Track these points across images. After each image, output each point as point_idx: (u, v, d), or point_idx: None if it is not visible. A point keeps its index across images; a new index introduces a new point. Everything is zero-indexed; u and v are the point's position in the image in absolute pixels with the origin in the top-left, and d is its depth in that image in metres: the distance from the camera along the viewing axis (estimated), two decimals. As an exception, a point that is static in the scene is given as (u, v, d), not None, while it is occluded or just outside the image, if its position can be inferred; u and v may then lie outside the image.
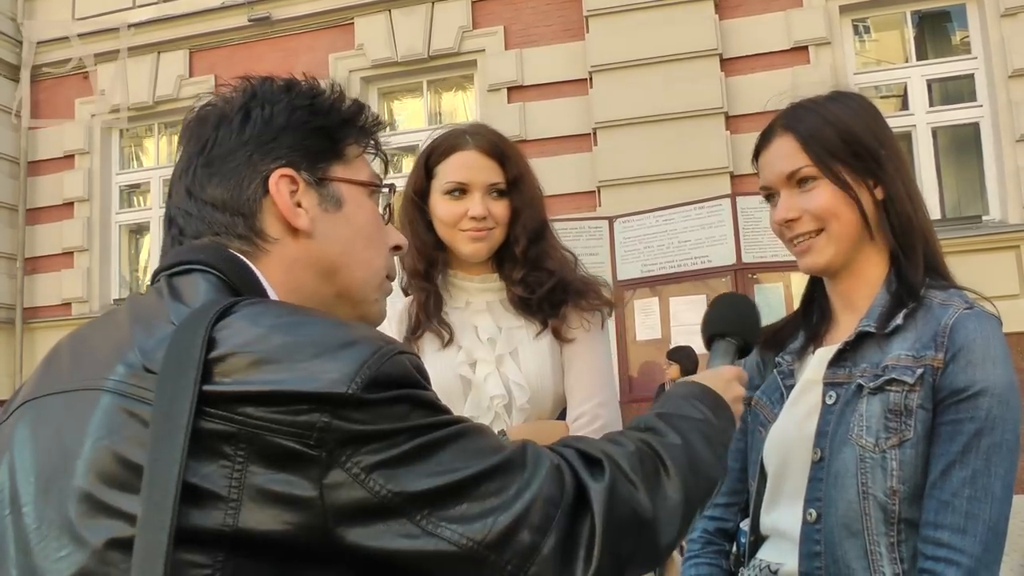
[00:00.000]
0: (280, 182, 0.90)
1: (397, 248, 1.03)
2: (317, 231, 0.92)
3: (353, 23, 8.24)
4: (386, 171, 1.04)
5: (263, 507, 0.72)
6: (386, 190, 1.01)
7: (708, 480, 0.95)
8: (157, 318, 0.82)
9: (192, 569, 0.71)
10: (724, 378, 1.14)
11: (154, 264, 0.95)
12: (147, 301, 0.87)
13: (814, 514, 1.28)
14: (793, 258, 1.39)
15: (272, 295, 0.89)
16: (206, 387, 0.73)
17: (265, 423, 0.72)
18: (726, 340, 1.27)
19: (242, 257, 0.90)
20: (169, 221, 0.95)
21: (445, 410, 0.82)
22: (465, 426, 0.81)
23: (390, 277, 1.02)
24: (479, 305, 1.71)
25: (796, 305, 1.49)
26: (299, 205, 0.92)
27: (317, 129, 0.94)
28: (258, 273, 0.89)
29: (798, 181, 1.33)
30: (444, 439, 0.78)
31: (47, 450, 0.80)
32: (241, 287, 0.86)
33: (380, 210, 1.01)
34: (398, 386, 0.78)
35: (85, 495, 0.75)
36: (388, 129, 1.06)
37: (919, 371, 1.23)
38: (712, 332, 1.29)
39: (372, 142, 1.00)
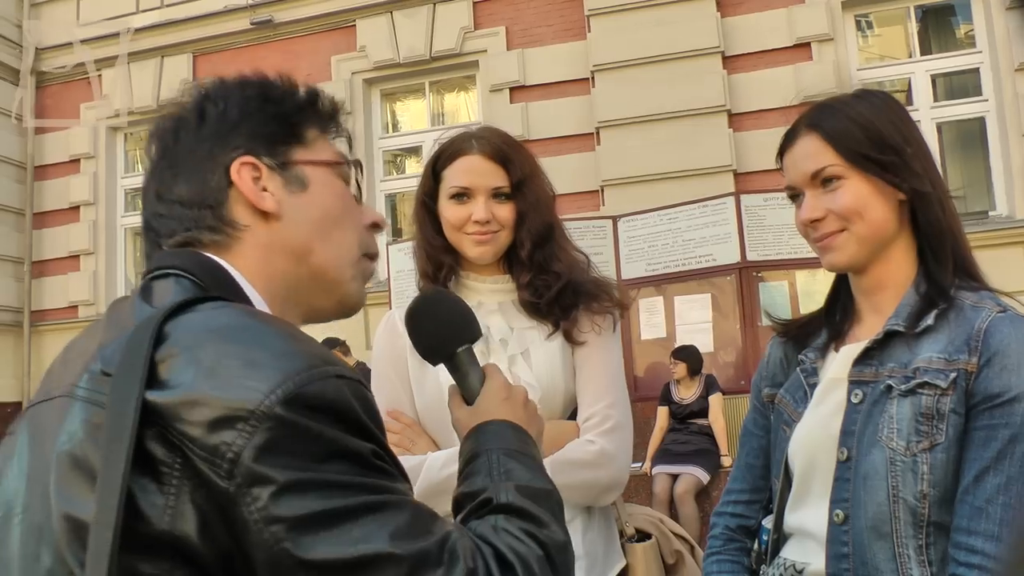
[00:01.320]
0: (242, 169, 0.92)
1: (375, 226, 1.02)
2: (285, 213, 0.93)
3: (355, 25, 8.24)
4: (351, 150, 1.03)
5: (195, 517, 0.71)
6: (353, 168, 1.01)
7: (572, 565, 0.92)
8: (125, 322, 0.83)
9: None
10: (504, 398, 1.05)
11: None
12: (123, 307, 0.88)
13: (841, 515, 1.27)
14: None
15: (248, 290, 0.90)
16: (148, 395, 0.73)
17: (188, 440, 0.72)
18: (464, 351, 1.10)
19: (215, 258, 0.90)
20: (146, 227, 0.96)
21: (375, 468, 0.76)
22: (388, 498, 0.75)
23: (370, 256, 1.01)
24: (491, 306, 1.72)
25: (801, 303, 1.49)
26: (265, 190, 0.92)
27: (273, 116, 0.95)
28: (233, 271, 0.90)
29: (823, 181, 1.32)
30: (359, 507, 0.73)
31: (37, 457, 0.81)
32: (214, 288, 0.86)
33: (352, 190, 1.01)
34: (324, 413, 0.73)
35: (51, 499, 0.76)
36: (343, 106, 1.06)
37: (952, 375, 1.22)
38: (448, 352, 1.10)
39: (332, 126, 1.01)
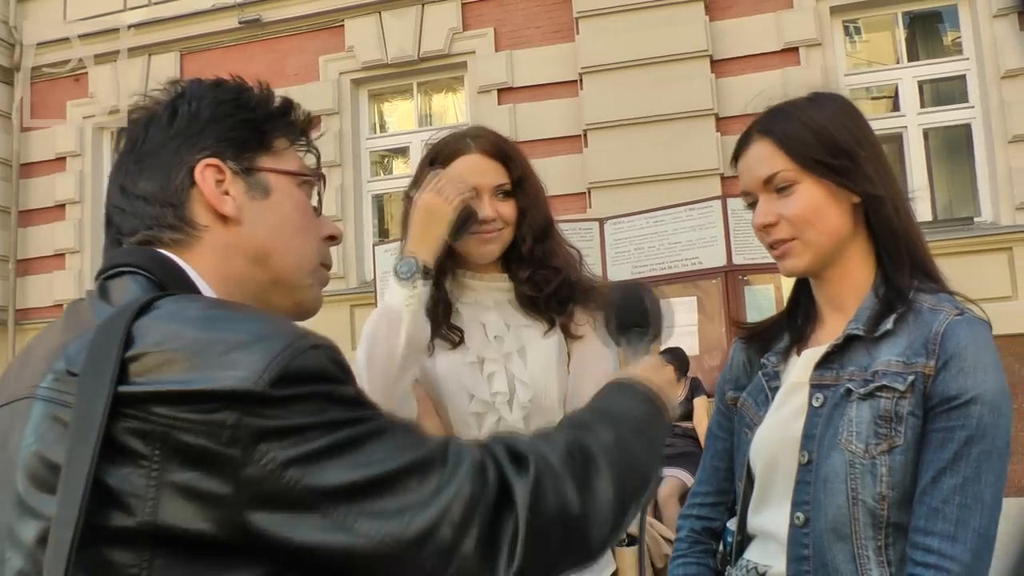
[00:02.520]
0: (206, 171, 0.93)
1: (332, 238, 1.05)
2: (245, 217, 0.94)
3: (343, 25, 8.21)
4: (318, 165, 1.05)
5: (182, 505, 0.73)
6: (316, 181, 1.03)
7: (643, 476, 0.95)
8: (84, 321, 0.84)
9: (119, 570, 0.72)
10: (653, 367, 1.14)
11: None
12: (81, 307, 0.89)
13: (802, 517, 1.28)
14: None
15: (205, 288, 0.91)
16: (121, 388, 0.74)
17: (178, 422, 0.73)
18: (639, 330, 1.27)
19: (171, 255, 0.91)
20: (107, 221, 0.97)
21: (366, 405, 0.81)
22: (384, 422, 0.80)
23: (326, 266, 1.04)
24: (487, 303, 1.72)
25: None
26: (226, 193, 0.94)
27: (243, 121, 0.96)
28: (187, 268, 0.91)
29: (776, 187, 1.32)
30: (362, 435, 0.77)
31: (0, 460, 0.82)
32: (171, 285, 0.87)
33: (313, 202, 1.02)
34: (311, 380, 0.77)
35: (20, 500, 0.77)
36: (315, 119, 1.08)
37: (910, 378, 1.22)
38: (627, 323, 1.29)
39: (302, 138, 1.02)
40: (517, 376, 1.66)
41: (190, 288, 0.89)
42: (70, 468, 0.72)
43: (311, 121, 1.04)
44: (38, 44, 8.98)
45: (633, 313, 1.29)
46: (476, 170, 1.67)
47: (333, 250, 1.07)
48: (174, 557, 0.73)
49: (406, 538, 0.75)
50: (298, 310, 1.01)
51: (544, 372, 1.67)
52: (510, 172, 1.69)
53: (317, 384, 0.77)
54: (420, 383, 1.67)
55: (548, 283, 1.68)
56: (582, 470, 0.86)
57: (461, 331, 1.70)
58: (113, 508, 0.72)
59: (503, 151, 1.70)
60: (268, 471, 0.73)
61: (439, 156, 1.71)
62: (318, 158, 1.05)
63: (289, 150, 1.00)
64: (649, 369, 1.14)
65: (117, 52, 8.59)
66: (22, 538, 0.76)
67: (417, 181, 1.72)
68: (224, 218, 0.93)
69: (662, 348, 6.28)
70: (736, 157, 1.40)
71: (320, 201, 1.05)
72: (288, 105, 1.01)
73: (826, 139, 1.30)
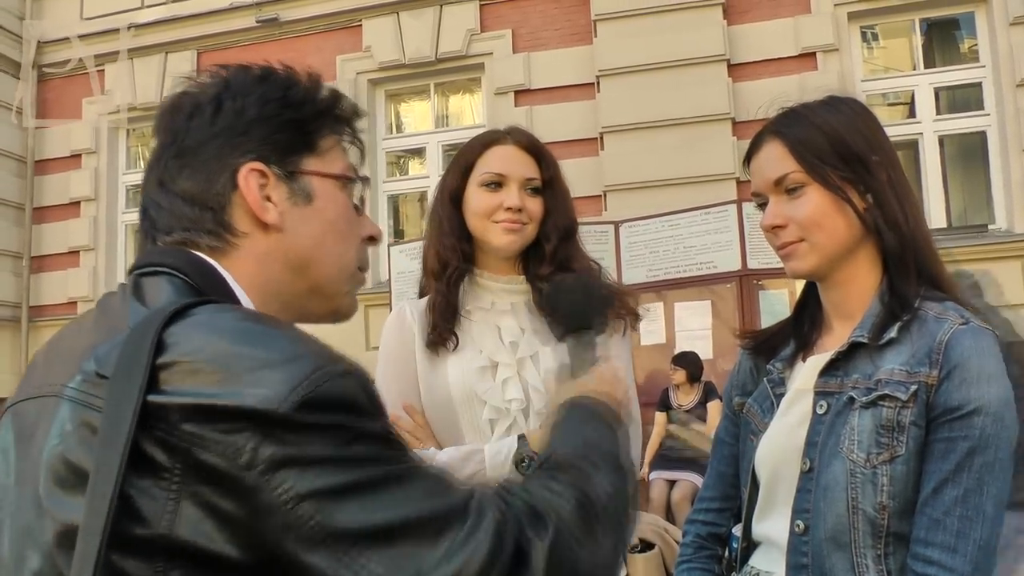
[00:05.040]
0: (249, 176, 0.90)
1: (371, 239, 1.02)
2: (287, 225, 0.92)
3: (361, 25, 8.24)
4: (363, 160, 1.02)
5: (199, 521, 0.71)
6: (359, 183, 1.00)
7: (631, 516, 0.93)
8: (117, 321, 0.82)
9: None
10: (606, 377, 1.12)
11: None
12: (113, 303, 0.87)
13: (802, 525, 1.28)
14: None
15: (241, 295, 0.89)
16: (149, 397, 0.72)
17: (198, 439, 0.71)
18: (586, 332, 1.24)
19: (209, 260, 0.89)
20: (143, 212, 0.94)
21: (392, 443, 0.78)
22: (409, 466, 0.77)
23: (362, 269, 1.01)
24: (503, 306, 1.71)
25: (800, 312, 1.49)
26: (269, 199, 0.91)
27: (289, 122, 0.93)
28: (226, 275, 0.89)
29: (787, 189, 1.32)
30: (385, 476, 0.75)
31: (24, 457, 0.81)
32: (207, 290, 0.85)
33: (355, 201, 1.00)
34: (338, 409, 0.74)
35: (40, 500, 0.76)
36: (362, 111, 1.05)
37: (913, 387, 1.22)
38: (575, 325, 1.25)
39: (348, 131, 0.99)
40: (531, 383, 1.64)
41: (228, 295, 0.87)
42: (99, 475, 0.71)
43: (358, 113, 1.01)
44: (53, 41, 9.01)
45: (578, 314, 1.25)
46: (509, 159, 1.68)
47: None
48: (187, 571, 0.72)
49: None
50: (334, 316, 0.99)
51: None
52: (542, 169, 1.69)
53: (344, 414, 0.75)
54: (414, 402, 1.67)
55: None
56: (590, 525, 0.84)
57: (458, 338, 1.68)
58: (132, 518, 0.71)
59: (537, 148, 1.71)
60: (282, 501, 0.71)
61: (474, 146, 1.71)
62: (362, 152, 1.02)
63: (334, 149, 0.97)
64: (605, 381, 1.11)
65: (132, 50, 8.61)
66: (41, 540, 0.75)
67: (451, 173, 1.73)
68: (265, 225, 0.91)
69: (677, 352, 6.24)
70: (748, 158, 1.40)
71: (363, 200, 1.02)
72: (335, 98, 0.98)
73: (838, 143, 1.30)
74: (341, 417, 0.74)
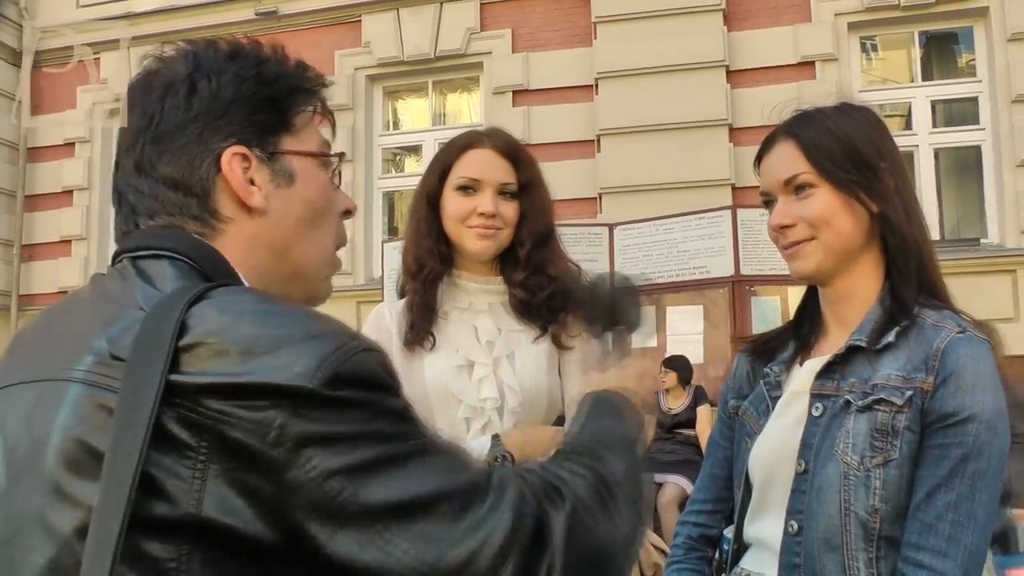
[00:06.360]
0: (233, 160, 0.89)
1: (347, 212, 1.01)
2: (271, 208, 0.91)
3: (360, 20, 8.22)
4: (334, 130, 1.02)
5: (225, 499, 0.72)
6: (335, 158, 0.99)
7: (645, 503, 0.94)
8: (125, 302, 0.81)
9: (156, 562, 0.71)
10: (633, 374, 1.15)
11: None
12: (112, 285, 0.86)
13: (796, 526, 1.29)
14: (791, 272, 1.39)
15: (241, 279, 0.89)
16: (172, 377, 0.72)
17: (226, 416, 0.71)
18: (621, 328, 1.27)
19: (208, 243, 0.88)
20: (119, 196, 0.93)
21: (413, 420, 0.79)
22: (431, 441, 0.79)
23: (339, 245, 1.01)
24: (480, 306, 1.72)
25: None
26: (252, 182, 0.90)
27: (265, 100, 0.91)
28: (226, 257, 0.88)
29: (796, 188, 1.33)
30: (408, 452, 0.76)
31: (16, 441, 0.79)
32: (212, 273, 0.85)
33: (333, 176, 0.99)
34: (362, 386, 0.76)
35: (55, 486, 0.75)
36: (327, 79, 1.02)
37: (908, 393, 1.23)
38: (607, 320, 1.29)
39: (319, 102, 0.98)
40: (507, 383, 1.65)
41: (233, 278, 0.87)
42: (116, 457, 0.71)
43: (323, 80, 0.99)
44: (48, 28, 8.96)
45: (618, 311, 1.29)
46: (484, 163, 1.68)
47: (341, 250, 1.04)
48: (212, 553, 0.72)
49: (442, 566, 0.73)
50: (311, 302, 0.98)
51: (533, 378, 1.66)
52: (518, 173, 1.69)
53: (368, 391, 0.76)
54: None
55: (541, 290, 1.68)
56: (606, 503, 0.85)
57: (435, 338, 1.69)
58: (155, 498, 0.71)
59: (515, 152, 1.71)
60: (311, 478, 0.71)
61: (452, 148, 1.71)
62: (333, 126, 1.02)
63: (308, 126, 0.96)
64: (629, 376, 1.13)
65: (129, 39, 8.57)
66: (57, 526, 0.73)
67: (429, 174, 1.73)
68: (249, 209, 0.90)
69: (667, 356, 6.25)
70: (759, 157, 1.41)
71: (339, 177, 1.01)
72: (302, 67, 0.96)
73: (850, 149, 1.32)
74: (364, 393, 0.75)
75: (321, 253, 0.97)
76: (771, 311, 5.96)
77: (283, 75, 0.94)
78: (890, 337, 1.28)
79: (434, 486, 0.75)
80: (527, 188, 1.69)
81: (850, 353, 1.31)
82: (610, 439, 0.96)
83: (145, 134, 0.90)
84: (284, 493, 0.72)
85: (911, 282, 1.31)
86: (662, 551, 1.75)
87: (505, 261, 1.71)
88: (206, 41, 0.95)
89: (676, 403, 6.07)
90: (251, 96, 0.91)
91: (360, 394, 0.75)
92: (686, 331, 6.29)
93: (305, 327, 0.77)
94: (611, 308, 1.27)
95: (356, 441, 0.73)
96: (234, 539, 0.72)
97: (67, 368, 0.78)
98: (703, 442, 5.90)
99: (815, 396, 1.32)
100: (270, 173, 0.91)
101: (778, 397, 1.39)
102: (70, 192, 8.92)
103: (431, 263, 1.69)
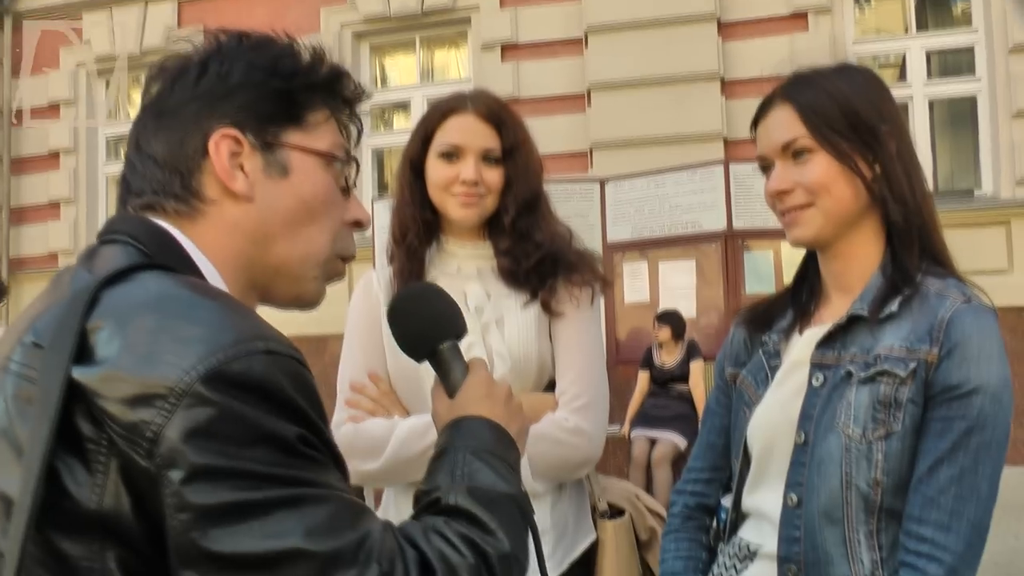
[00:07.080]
0: (221, 142, 0.86)
1: (357, 224, 0.97)
2: (258, 196, 0.88)
3: (346, -24, 8.09)
4: (358, 141, 0.98)
5: (124, 495, 0.69)
6: (345, 161, 0.95)
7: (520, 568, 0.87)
8: (62, 290, 0.80)
9: (73, 561, 0.70)
10: (492, 395, 1.01)
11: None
12: (66, 273, 0.85)
13: (795, 498, 1.27)
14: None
15: (205, 265, 0.86)
16: (75, 370, 0.70)
17: (108, 417, 0.69)
18: (449, 347, 1.06)
19: (167, 227, 0.86)
20: (122, 176, 0.92)
21: (302, 455, 0.72)
22: (307, 492, 0.71)
23: (344, 259, 0.96)
24: (469, 271, 1.69)
25: (785, 273, 1.48)
26: (241, 168, 0.87)
27: (274, 91, 0.89)
28: (188, 243, 0.86)
29: (794, 153, 1.30)
30: (277, 500, 0.69)
31: None
32: (161, 258, 0.82)
33: (342, 181, 0.95)
34: (250, 394, 0.70)
35: None
36: (367, 93, 0.99)
37: (912, 364, 1.21)
38: (430, 349, 1.07)
39: (347, 111, 0.95)
40: (496, 349, 1.63)
41: (185, 264, 0.84)
42: (30, 450, 0.69)
43: (360, 95, 0.96)
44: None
45: (421, 331, 1.08)
46: (467, 129, 1.64)
47: None
48: (125, 552, 0.70)
49: None
50: (297, 302, 0.95)
51: (522, 344, 1.65)
52: (502, 138, 1.65)
53: (255, 403, 0.70)
54: (380, 371, 1.66)
55: (528, 257, 1.65)
56: None
57: None
58: (65, 495, 0.69)
59: (499, 116, 1.66)
60: (168, 504, 0.68)
61: (434, 113, 1.68)
62: (359, 132, 0.98)
63: (325, 125, 0.92)
64: (484, 399, 1.00)
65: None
66: None
67: (413, 140, 1.70)
68: (234, 194, 0.87)
69: (660, 310, 6.25)
70: (756, 121, 1.38)
71: (351, 185, 0.96)
72: (336, 75, 0.93)
73: (849, 111, 1.28)
74: (249, 407, 0.69)
75: (310, 252, 0.92)
76: (764, 265, 5.95)
77: (304, 72, 0.91)
78: (893, 307, 1.26)
79: (293, 544, 0.69)
80: (512, 153, 1.66)
81: (851, 323, 1.29)
82: (491, 502, 0.86)
83: (152, 108, 0.90)
84: (158, 507, 0.69)
85: (913, 248, 1.29)
86: (658, 515, 1.75)
87: (492, 227, 1.69)
88: (237, 32, 0.93)
89: (670, 358, 6.09)
90: (260, 84, 0.89)
91: (244, 406, 0.69)
92: (678, 285, 6.30)
93: (208, 319, 0.73)
94: (427, 329, 1.07)
95: (218, 477, 0.68)
96: (143, 538, 0.70)
97: (6, 358, 0.78)
98: (698, 397, 5.94)
99: (815, 366, 1.30)
100: (263, 162, 0.88)
101: (777, 367, 1.37)
102: (56, 155, 8.84)
103: (415, 230, 1.68)
